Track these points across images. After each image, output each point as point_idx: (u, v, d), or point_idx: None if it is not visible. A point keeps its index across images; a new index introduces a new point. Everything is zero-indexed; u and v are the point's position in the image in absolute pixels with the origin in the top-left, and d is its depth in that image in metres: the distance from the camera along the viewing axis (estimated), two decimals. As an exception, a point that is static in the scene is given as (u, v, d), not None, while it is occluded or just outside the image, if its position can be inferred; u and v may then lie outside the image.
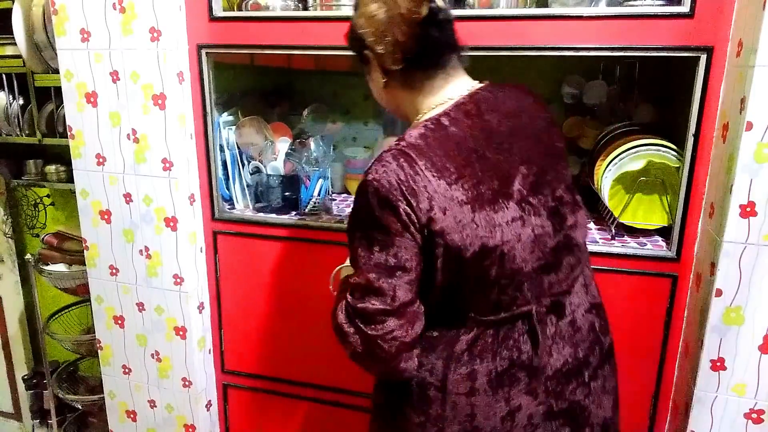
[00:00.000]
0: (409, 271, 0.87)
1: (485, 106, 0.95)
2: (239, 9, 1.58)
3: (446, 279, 0.89)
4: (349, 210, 1.73)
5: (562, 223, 0.96)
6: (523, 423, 0.95)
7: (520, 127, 0.96)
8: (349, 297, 0.90)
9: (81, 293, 1.99)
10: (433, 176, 0.86)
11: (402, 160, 0.86)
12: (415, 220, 0.85)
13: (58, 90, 1.66)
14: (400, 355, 0.89)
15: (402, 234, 0.85)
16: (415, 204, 0.85)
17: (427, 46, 0.93)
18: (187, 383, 1.73)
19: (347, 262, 1.13)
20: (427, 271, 0.90)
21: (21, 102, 1.96)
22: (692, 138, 1.27)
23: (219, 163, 1.66)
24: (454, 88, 0.97)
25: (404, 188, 0.85)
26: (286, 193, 1.69)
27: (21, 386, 2.39)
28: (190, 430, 1.78)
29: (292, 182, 1.68)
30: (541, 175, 0.95)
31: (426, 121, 0.93)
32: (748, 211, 1.16)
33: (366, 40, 0.95)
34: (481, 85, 1.00)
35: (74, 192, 1.69)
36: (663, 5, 1.26)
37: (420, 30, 0.91)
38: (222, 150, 1.69)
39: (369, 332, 0.87)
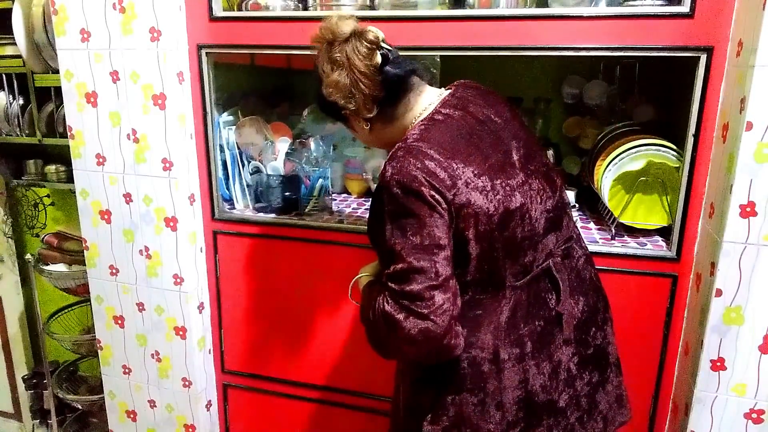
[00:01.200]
0: (444, 248, 0.92)
1: (466, 101, 1.05)
2: (239, 9, 1.58)
3: (480, 249, 0.96)
4: (349, 210, 1.73)
5: (554, 184, 1.07)
6: (563, 377, 1.03)
7: (497, 113, 1.06)
8: (392, 285, 0.93)
9: (81, 293, 1.99)
10: (447, 158, 0.94)
11: (415, 151, 0.94)
12: (441, 200, 0.92)
13: (58, 90, 1.66)
14: (452, 330, 0.92)
15: (431, 215, 0.91)
16: (438, 185, 0.91)
17: (392, 84, 1.03)
18: (187, 383, 1.73)
19: (362, 272, 1.18)
20: (459, 248, 0.95)
21: (21, 102, 1.96)
22: (692, 138, 1.27)
23: (219, 163, 1.66)
24: (428, 97, 1.07)
25: (424, 174, 0.91)
26: (286, 193, 1.69)
27: (21, 386, 2.39)
28: (190, 430, 1.78)
29: (292, 182, 1.68)
30: (528, 147, 1.06)
31: (420, 123, 1.02)
32: (748, 211, 1.16)
33: (339, 103, 1.04)
34: (452, 86, 1.10)
35: (74, 192, 1.69)
36: (663, 5, 1.26)
37: (380, 76, 1.02)
38: (222, 150, 1.69)
39: (421, 310, 0.89)
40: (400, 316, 0.91)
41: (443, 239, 0.92)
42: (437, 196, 0.91)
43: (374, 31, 1.01)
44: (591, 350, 1.08)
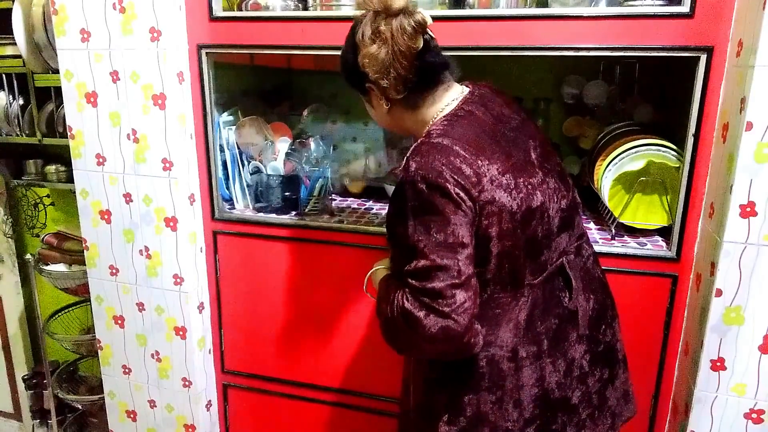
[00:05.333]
0: (467, 247, 0.92)
1: (486, 99, 1.05)
2: (239, 9, 1.58)
3: (502, 246, 0.96)
4: (349, 210, 1.73)
5: (568, 184, 1.08)
6: (576, 374, 1.04)
7: (514, 112, 1.07)
8: (412, 281, 0.92)
9: (81, 293, 1.99)
10: (473, 155, 0.93)
11: (440, 147, 0.93)
12: (466, 198, 0.91)
13: (58, 90, 1.66)
14: (472, 328, 0.92)
15: (455, 212, 0.91)
16: (463, 182, 0.91)
17: (427, 72, 1.01)
18: (187, 383, 1.73)
19: (377, 265, 1.17)
20: (482, 245, 0.95)
21: (21, 102, 1.96)
22: (692, 138, 1.27)
23: (219, 163, 1.66)
24: (452, 93, 1.06)
25: (450, 169, 0.90)
26: (286, 193, 1.69)
27: (21, 386, 2.39)
28: (190, 430, 1.78)
29: (292, 182, 1.68)
30: (544, 147, 1.07)
31: (444, 117, 1.01)
32: (748, 211, 1.16)
33: (370, 76, 1.01)
34: (468, 87, 1.09)
35: (74, 192, 1.69)
36: (663, 5, 1.26)
37: (418, 61, 0.99)
38: (222, 150, 1.69)
39: (442, 308, 0.89)
40: (421, 314, 0.90)
41: (466, 237, 0.91)
42: (462, 194, 0.90)
43: (423, 13, 0.98)
44: (601, 347, 1.09)
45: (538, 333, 1.01)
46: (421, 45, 0.98)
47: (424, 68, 1.00)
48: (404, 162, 0.95)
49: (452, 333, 0.90)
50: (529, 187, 0.97)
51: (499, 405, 1.00)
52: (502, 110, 1.05)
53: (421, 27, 0.97)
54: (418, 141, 0.97)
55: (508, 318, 1.00)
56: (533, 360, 1.00)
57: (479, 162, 0.93)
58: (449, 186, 0.90)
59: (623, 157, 1.44)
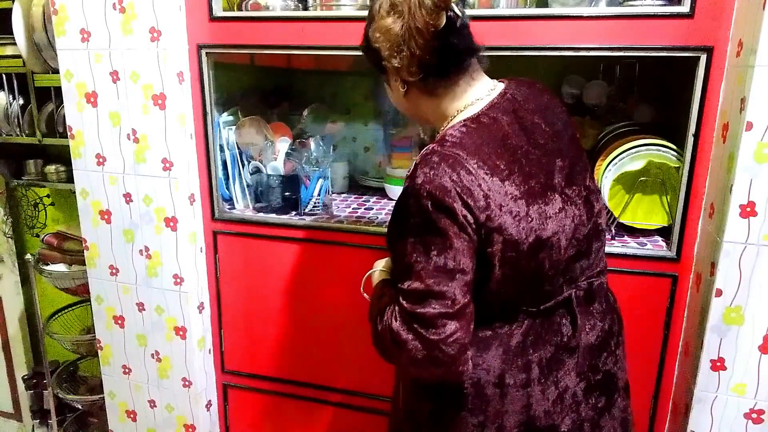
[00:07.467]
0: (467, 273, 0.86)
1: (518, 104, 0.96)
2: (239, 9, 1.58)
3: (503, 274, 0.90)
4: (349, 210, 1.73)
5: (592, 210, 0.99)
6: (569, 402, 0.99)
7: (549, 122, 0.98)
8: (404, 303, 0.87)
9: (81, 293, 1.99)
10: (486, 173, 0.86)
11: (451, 160, 0.85)
12: (472, 221, 0.85)
13: (58, 90, 1.66)
14: (460, 358, 0.87)
15: (459, 236, 0.84)
16: (471, 203, 0.84)
17: (447, 56, 0.92)
18: (187, 383, 1.73)
19: (376, 266, 1.13)
20: (482, 270, 0.89)
21: (21, 102, 1.96)
22: (692, 138, 1.27)
23: (219, 163, 1.66)
24: (479, 89, 0.97)
25: (459, 189, 0.84)
26: (286, 193, 1.69)
27: (21, 386, 2.39)
28: (190, 430, 1.78)
29: (292, 182, 1.68)
30: (572, 167, 0.98)
31: (464, 120, 0.93)
32: (748, 211, 1.16)
33: (381, 53, 0.93)
34: (503, 83, 1.00)
35: (74, 192, 1.69)
36: (663, 5, 1.26)
37: (438, 41, 0.89)
38: (222, 150, 1.69)
39: (430, 337, 0.84)
40: (408, 337, 0.86)
41: (467, 264, 0.85)
42: (469, 216, 0.84)
43: None
44: (600, 375, 1.02)
45: (529, 360, 0.95)
46: (443, 23, 0.88)
47: (444, 50, 0.90)
48: (412, 168, 0.88)
49: (438, 362, 0.86)
50: (542, 216, 0.90)
51: (482, 428, 0.96)
52: (535, 119, 0.95)
53: (443, 2, 0.86)
54: (430, 147, 0.88)
55: (499, 342, 0.95)
56: (520, 388, 0.95)
57: (491, 183, 0.86)
58: (456, 206, 0.83)
59: (623, 157, 1.44)
